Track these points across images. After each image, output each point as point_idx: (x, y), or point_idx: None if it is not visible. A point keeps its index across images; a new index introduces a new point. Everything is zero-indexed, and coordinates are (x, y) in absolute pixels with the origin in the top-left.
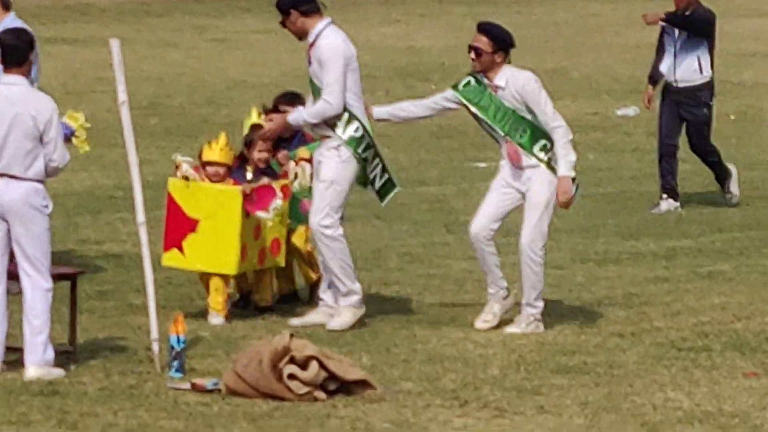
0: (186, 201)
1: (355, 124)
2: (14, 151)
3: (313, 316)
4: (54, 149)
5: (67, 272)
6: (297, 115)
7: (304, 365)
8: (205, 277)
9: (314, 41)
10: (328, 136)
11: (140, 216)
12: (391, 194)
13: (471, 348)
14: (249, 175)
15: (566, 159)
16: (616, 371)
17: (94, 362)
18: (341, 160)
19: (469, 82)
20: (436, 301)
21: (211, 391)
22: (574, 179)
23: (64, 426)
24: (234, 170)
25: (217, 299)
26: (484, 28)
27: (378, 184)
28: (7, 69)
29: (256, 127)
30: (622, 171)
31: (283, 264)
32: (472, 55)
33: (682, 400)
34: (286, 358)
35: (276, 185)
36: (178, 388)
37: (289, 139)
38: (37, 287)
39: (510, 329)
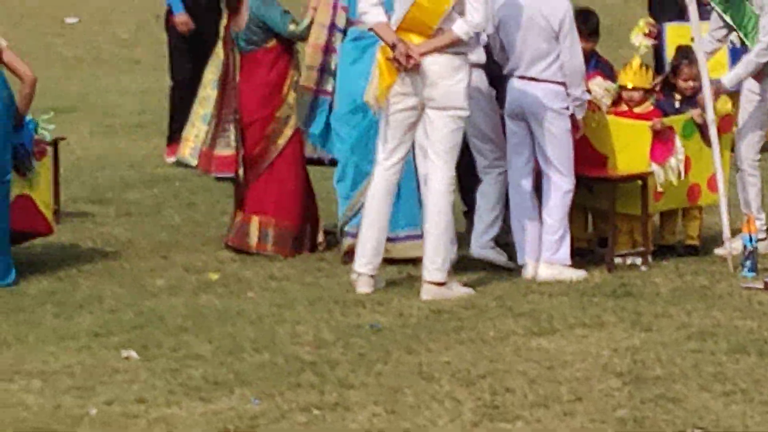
0: (594, 134)
1: None
2: (531, 54)
3: None
4: (567, 48)
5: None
6: None
7: None
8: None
9: None
10: None
11: (710, 114)
12: None
13: None
14: (677, 105)
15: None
16: None
17: (666, 263)
18: None
19: None
20: None
21: None
22: None
23: (638, 327)
24: (661, 100)
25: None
26: None
27: None
28: None
29: (681, 50)
30: None
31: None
32: None
33: None
34: None
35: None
36: (751, 288)
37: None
38: (556, 188)
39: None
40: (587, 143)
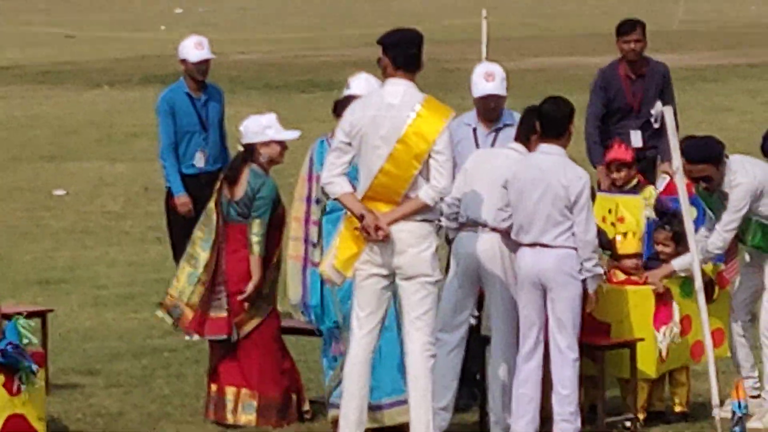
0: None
1: None
2: (543, 220)
3: None
4: (582, 221)
5: None
6: None
7: None
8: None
9: None
10: None
11: (698, 282)
12: None
13: None
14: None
15: None
16: None
17: (656, 429)
18: None
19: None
20: None
21: None
22: None
23: None
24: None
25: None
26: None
27: None
28: (545, 139)
29: (664, 217)
30: None
31: (728, 354)
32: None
33: None
34: None
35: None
36: None
37: None
38: (565, 357)
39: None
40: (588, 313)
